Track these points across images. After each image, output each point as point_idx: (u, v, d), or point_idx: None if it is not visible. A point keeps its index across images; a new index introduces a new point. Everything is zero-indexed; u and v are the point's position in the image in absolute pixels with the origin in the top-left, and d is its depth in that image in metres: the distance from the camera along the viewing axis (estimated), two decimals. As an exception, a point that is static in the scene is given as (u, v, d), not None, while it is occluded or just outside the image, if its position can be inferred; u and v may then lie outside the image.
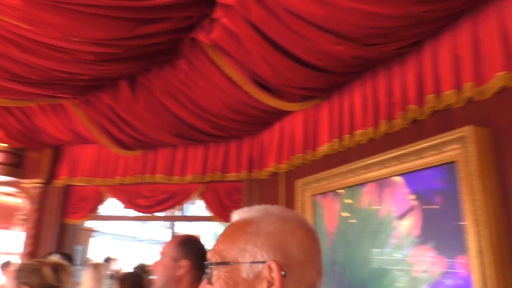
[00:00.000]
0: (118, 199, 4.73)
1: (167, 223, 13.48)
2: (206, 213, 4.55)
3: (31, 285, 2.01)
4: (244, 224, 0.82)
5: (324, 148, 3.08)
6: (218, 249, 0.82)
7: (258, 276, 0.75)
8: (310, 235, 0.82)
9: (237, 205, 4.26)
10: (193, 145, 4.33)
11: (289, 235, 0.79)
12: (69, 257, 3.21)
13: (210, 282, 0.79)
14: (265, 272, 0.75)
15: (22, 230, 4.89)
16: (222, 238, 0.84)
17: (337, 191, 2.90)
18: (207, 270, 0.82)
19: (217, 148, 4.28)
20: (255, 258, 0.76)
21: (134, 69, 3.16)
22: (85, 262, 6.71)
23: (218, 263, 0.79)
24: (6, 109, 4.06)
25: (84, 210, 4.83)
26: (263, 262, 0.75)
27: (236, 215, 0.88)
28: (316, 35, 2.15)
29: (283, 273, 0.75)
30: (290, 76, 2.60)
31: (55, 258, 2.82)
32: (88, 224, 6.60)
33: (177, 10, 2.30)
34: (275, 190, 3.76)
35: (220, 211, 4.29)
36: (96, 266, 4.87)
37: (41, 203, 4.86)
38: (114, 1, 2.01)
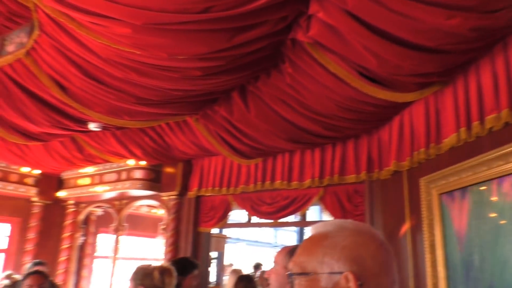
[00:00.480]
0: (243, 207, 4.91)
1: (297, 229, 13.60)
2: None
3: (145, 286, 2.20)
4: (321, 238, 0.88)
5: (450, 140, 2.71)
6: (298, 261, 0.89)
7: (335, 286, 0.81)
8: (383, 247, 0.86)
9: (359, 208, 4.05)
10: (310, 148, 4.27)
11: (363, 248, 0.84)
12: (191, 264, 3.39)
13: None
14: (343, 282, 0.80)
15: (163, 238, 5.41)
16: (301, 251, 0.90)
17: (469, 187, 2.52)
18: (290, 280, 0.89)
19: (334, 150, 4.14)
20: (332, 269, 0.82)
21: (242, 79, 3.24)
22: (222, 268, 7.10)
23: (299, 273, 0.86)
24: (141, 130, 4.56)
25: (214, 218, 5.13)
26: (340, 273, 0.81)
27: (313, 230, 0.93)
28: (422, 11, 1.91)
29: (359, 283, 0.79)
30: (399, 63, 2.36)
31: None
32: (224, 232, 7.02)
33: (271, 13, 2.28)
34: (398, 190, 3.46)
35: (342, 215, 4.12)
36: (237, 272, 5.11)
37: (176, 213, 5.32)
38: (209, 14, 2.08)
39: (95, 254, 7.41)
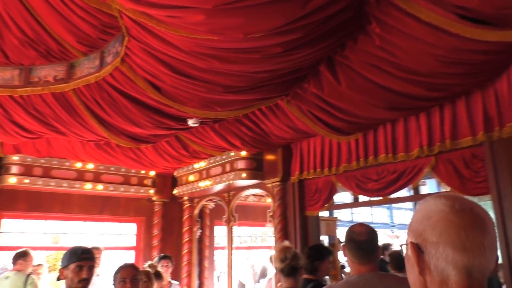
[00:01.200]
0: (347, 186, 4.70)
1: (412, 206, 12.71)
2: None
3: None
4: (415, 211, 1.01)
5: None
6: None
7: (409, 253, 0.95)
8: (447, 219, 0.90)
9: (480, 174, 3.58)
10: (413, 114, 3.89)
11: (425, 221, 0.92)
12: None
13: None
14: (409, 251, 0.95)
15: (272, 225, 5.45)
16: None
17: None
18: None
19: (442, 112, 3.71)
20: (406, 241, 0.99)
21: (326, 49, 3.06)
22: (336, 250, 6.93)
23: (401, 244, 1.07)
24: (237, 120, 4.63)
25: (320, 201, 5.01)
26: (407, 244, 0.98)
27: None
28: None
29: (421, 251, 0.91)
30: (508, -9, 1.98)
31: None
32: (336, 214, 6.85)
33: (344, -33, 2.08)
34: (527, 147, 2.95)
35: (460, 184, 3.69)
36: None
37: (281, 199, 5.31)
38: (277, -19, 1.97)
39: (214, 246, 7.85)
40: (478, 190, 3.58)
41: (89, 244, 5.83)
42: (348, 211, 14.05)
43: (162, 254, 5.65)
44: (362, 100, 3.53)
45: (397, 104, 3.56)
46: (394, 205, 15.20)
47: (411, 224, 0.97)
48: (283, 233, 5.20)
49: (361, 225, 2.05)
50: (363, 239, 1.93)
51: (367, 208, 14.51)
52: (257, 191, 6.16)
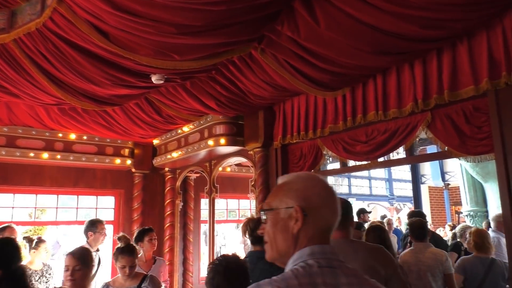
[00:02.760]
0: (333, 150, 4.21)
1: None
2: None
3: None
4: (282, 184, 1.20)
5: None
6: (267, 201, 1.21)
7: (290, 216, 1.13)
8: (327, 189, 1.18)
9: (482, 130, 3.07)
10: (407, 62, 3.35)
11: (310, 189, 1.15)
12: None
13: (264, 222, 1.20)
14: (294, 213, 1.13)
15: (254, 196, 4.99)
16: (270, 195, 1.22)
17: None
18: (262, 215, 1.21)
19: (440, 58, 3.17)
20: (287, 205, 1.14)
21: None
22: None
23: (267, 209, 1.19)
24: (210, 78, 4.11)
25: (305, 167, 4.52)
26: (292, 207, 1.13)
27: (279, 180, 1.23)
28: None
29: (304, 213, 1.12)
30: None
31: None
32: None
33: None
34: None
35: (459, 143, 3.18)
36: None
37: (263, 166, 4.83)
38: None
39: (201, 219, 7.43)
40: (480, 148, 3.08)
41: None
42: (346, 184, 13.63)
43: (146, 227, 5.24)
44: (345, 43, 2.98)
45: (387, 48, 3.02)
46: (393, 177, 14.76)
47: (293, 192, 1.15)
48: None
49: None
50: None
51: (366, 181, 14.09)
52: (241, 159, 5.67)
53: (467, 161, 9.56)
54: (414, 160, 3.65)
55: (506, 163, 2.85)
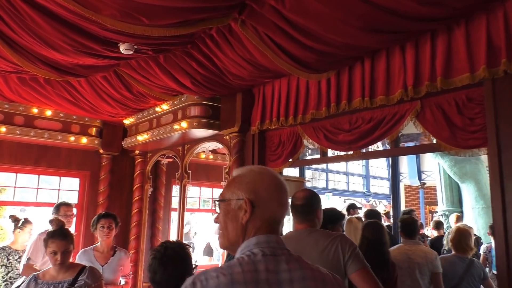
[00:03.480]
0: (314, 139, 3.94)
1: (389, 175, 12.24)
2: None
3: None
4: (236, 177, 1.26)
5: None
6: (221, 193, 1.27)
7: (240, 207, 1.19)
8: (276, 183, 1.23)
9: (475, 122, 2.86)
10: (398, 44, 3.10)
11: (259, 183, 1.21)
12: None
13: (218, 212, 1.26)
14: (243, 205, 1.18)
15: (228, 182, 4.70)
16: (225, 186, 1.29)
17: None
18: (216, 205, 1.28)
19: (434, 43, 2.92)
20: (238, 197, 1.20)
21: None
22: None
23: (220, 200, 1.25)
24: (185, 52, 3.77)
25: (283, 156, 4.25)
26: (242, 199, 1.19)
27: (234, 173, 1.29)
28: None
29: (253, 205, 1.18)
30: None
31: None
32: (311, 184, 6.14)
33: None
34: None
35: (449, 135, 2.96)
36: (350, 222, 4.29)
37: (239, 153, 4.53)
38: None
39: (172, 207, 7.08)
40: (471, 142, 2.86)
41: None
42: (323, 179, 13.48)
43: (102, 212, 4.88)
44: (333, 16, 2.70)
45: (379, 24, 2.74)
46: (371, 173, 14.72)
47: (244, 184, 1.21)
48: (238, 192, 4.45)
49: (303, 190, 2.45)
50: (299, 204, 2.33)
51: (343, 177, 13.98)
52: (216, 145, 5.35)
53: (445, 161, 9.60)
54: (399, 152, 3.42)
55: (499, 158, 2.63)
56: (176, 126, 4.89)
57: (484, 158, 11.03)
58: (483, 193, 9.13)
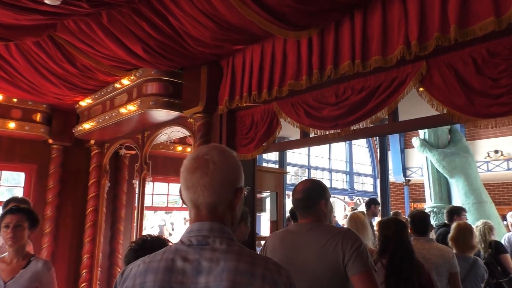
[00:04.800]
0: (293, 117, 3.24)
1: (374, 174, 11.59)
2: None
3: None
4: None
5: None
6: None
7: None
8: (185, 164, 1.10)
9: (500, 83, 2.18)
10: (398, -11, 2.42)
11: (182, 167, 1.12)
12: None
13: None
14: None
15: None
16: None
17: None
18: None
19: (446, -19, 2.25)
20: None
21: None
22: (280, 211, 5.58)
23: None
24: (133, 10, 3.03)
25: (255, 139, 3.54)
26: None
27: None
28: None
29: (180, 191, 1.12)
30: None
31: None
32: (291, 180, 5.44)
33: None
34: None
35: (465, 103, 2.29)
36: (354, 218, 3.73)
37: (204, 137, 3.79)
38: None
39: (135, 205, 6.28)
40: (495, 109, 2.19)
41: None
42: (306, 176, 12.83)
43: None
44: None
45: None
46: (354, 170, 14.15)
47: None
48: (202, 183, 3.71)
49: (302, 182, 2.20)
50: (298, 198, 2.10)
51: (326, 173, 13.36)
52: (182, 132, 4.60)
53: (433, 155, 9.06)
54: (398, 128, 2.74)
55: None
56: (130, 107, 4.11)
57: (474, 151, 10.62)
58: (473, 188, 8.66)
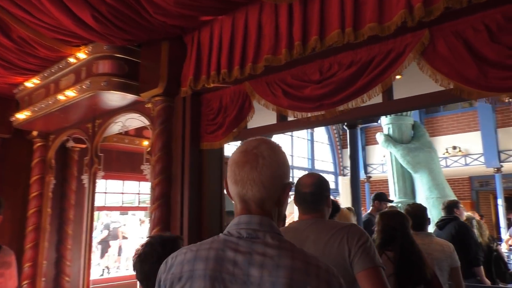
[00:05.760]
0: (269, 98, 2.83)
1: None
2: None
3: None
4: None
5: None
6: None
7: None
8: (232, 158, 1.10)
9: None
10: None
11: (230, 159, 1.11)
12: None
13: None
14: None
15: (148, 167, 3.44)
16: None
17: None
18: None
19: None
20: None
21: None
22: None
23: None
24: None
25: (224, 125, 3.09)
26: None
27: None
28: None
29: (227, 184, 1.11)
30: None
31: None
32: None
33: None
34: None
35: (477, 75, 1.97)
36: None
37: (164, 123, 3.30)
38: None
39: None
40: (510, 82, 1.89)
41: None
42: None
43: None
44: None
45: None
46: (316, 167, 13.98)
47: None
48: (162, 178, 3.21)
49: (309, 176, 2.06)
50: (307, 191, 1.96)
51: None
52: (140, 120, 4.06)
53: (398, 150, 8.99)
54: (395, 106, 2.39)
55: None
56: (78, 89, 3.53)
57: (437, 145, 10.71)
58: (437, 183, 8.68)
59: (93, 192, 4.16)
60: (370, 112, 2.43)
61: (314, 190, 1.95)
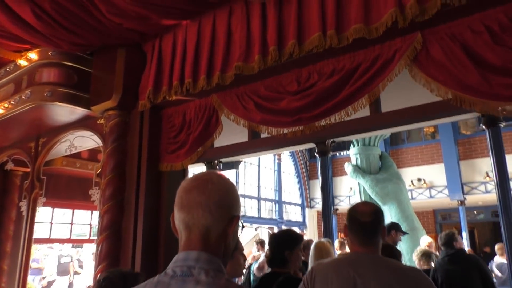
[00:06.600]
0: (238, 112, 2.48)
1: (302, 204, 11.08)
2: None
3: None
4: None
5: None
6: None
7: None
8: (181, 185, 1.03)
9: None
10: None
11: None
12: None
13: None
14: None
15: (98, 192, 2.96)
16: None
17: None
18: None
19: None
20: None
21: None
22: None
23: None
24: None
25: (187, 144, 2.71)
26: None
27: None
28: None
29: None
30: None
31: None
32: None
33: None
34: None
35: (479, 81, 1.71)
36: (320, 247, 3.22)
37: (117, 141, 2.87)
38: None
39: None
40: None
41: None
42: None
43: None
44: None
45: None
46: (283, 199, 13.64)
47: None
48: (113, 204, 2.75)
49: (365, 204, 1.94)
50: (368, 221, 1.79)
51: (255, 202, 12.65)
52: (95, 141, 3.59)
53: (366, 181, 8.84)
54: (383, 120, 2.10)
55: None
56: (17, 100, 3.06)
57: (405, 177, 10.67)
58: (406, 215, 8.53)
59: (32, 221, 3.61)
60: (355, 127, 2.14)
61: (374, 219, 1.80)
